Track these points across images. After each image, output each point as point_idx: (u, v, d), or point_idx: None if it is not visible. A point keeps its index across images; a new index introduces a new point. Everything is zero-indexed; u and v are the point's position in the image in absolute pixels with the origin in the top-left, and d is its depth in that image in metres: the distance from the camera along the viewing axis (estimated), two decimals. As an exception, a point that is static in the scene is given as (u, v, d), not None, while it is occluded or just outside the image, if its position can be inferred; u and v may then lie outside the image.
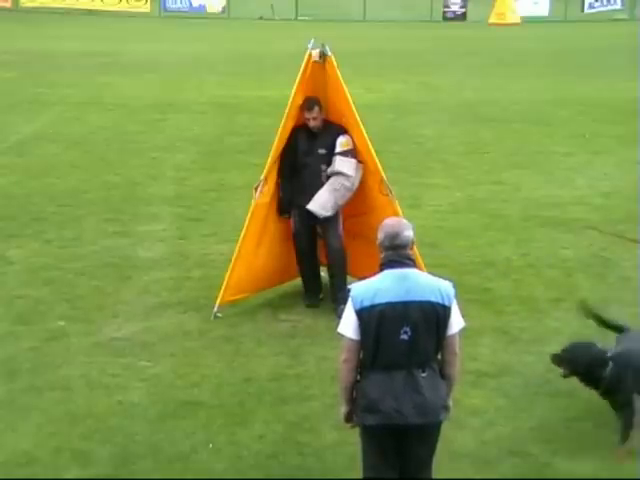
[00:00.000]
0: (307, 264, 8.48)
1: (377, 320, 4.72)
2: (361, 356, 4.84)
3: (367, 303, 4.74)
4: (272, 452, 5.86)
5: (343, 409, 5.02)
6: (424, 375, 4.80)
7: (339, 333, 4.87)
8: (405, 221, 5.13)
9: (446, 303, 4.81)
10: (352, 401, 4.94)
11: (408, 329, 4.74)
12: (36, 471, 5.87)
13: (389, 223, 5.04)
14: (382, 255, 4.92)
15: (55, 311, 8.35)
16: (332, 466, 5.92)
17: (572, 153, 15.10)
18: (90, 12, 44.06)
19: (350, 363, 4.83)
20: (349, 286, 4.91)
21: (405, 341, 4.74)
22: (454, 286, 4.94)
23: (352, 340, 4.79)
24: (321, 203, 8.10)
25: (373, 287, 4.81)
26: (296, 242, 8.38)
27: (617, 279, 9.32)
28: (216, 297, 8.16)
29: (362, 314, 4.74)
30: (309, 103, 8.05)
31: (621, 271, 9.53)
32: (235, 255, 8.18)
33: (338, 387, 5.02)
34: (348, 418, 5.03)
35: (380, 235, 4.94)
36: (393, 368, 4.77)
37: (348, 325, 4.80)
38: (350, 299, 4.81)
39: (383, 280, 4.83)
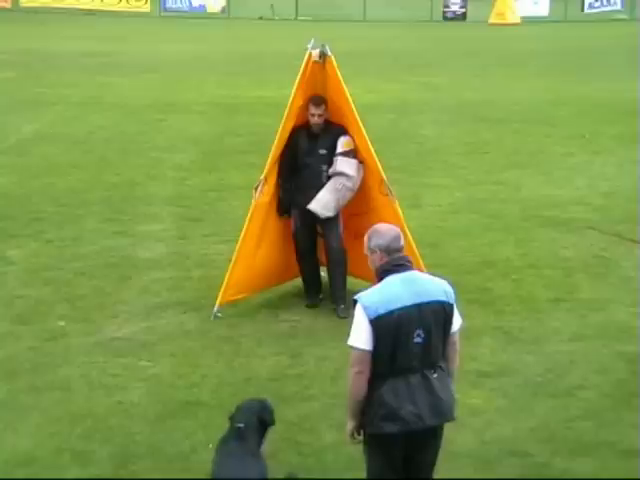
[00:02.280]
0: (307, 264, 8.48)
1: (394, 326, 4.66)
2: (372, 366, 4.73)
3: (383, 310, 4.66)
4: (272, 452, 5.84)
5: (350, 425, 4.88)
6: (435, 376, 4.78)
7: (350, 346, 4.74)
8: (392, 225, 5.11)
9: (451, 301, 4.83)
10: (359, 415, 4.83)
11: (421, 331, 4.71)
12: (36, 471, 5.87)
13: (386, 227, 4.98)
14: (383, 261, 4.83)
15: (55, 311, 8.35)
16: (332, 466, 5.92)
17: (572, 153, 15.10)
18: (90, 12, 44.07)
19: (364, 375, 4.72)
20: (355, 297, 4.81)
21: (419, 344, 4.71)
22: (451, 285, 4.94)
23: (365, 351, 4.69)
24: (323, 203, 8.09)
25: (385, 294, 4.73)
26: (296, 242, 8.38)
27: (617, 279, 9.32)
28: (216, 297, 8.16)
29: (378, 322, 4.66)
30: (317, 99, 8.04)
31: (621, 271, 9.54)
32: (235, 255, 8.18)
33: (348, 401, 4.86)
34: (355, 433, 4.90)
35: (382, 240, 4.83)
36: (408, 372, 4.72)
37: (361, 336, 4.69)
38: (361, 309, 4.70)
39: (392, 285, 4.77)
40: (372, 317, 4.67)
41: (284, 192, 8.29)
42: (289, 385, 7.00)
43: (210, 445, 6.03)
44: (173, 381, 7.08)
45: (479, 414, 6.60)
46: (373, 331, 4.67)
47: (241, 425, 5.17)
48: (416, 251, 8.03)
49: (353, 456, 5.50)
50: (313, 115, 8.08)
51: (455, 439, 6.11)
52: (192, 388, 6.96)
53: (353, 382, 4.76)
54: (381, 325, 4.66)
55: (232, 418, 5.31)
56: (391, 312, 4.67)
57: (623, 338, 7.87)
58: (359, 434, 4.90)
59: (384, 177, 8.14)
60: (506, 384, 7.06)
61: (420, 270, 7.34)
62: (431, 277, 5.00)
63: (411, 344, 4.70)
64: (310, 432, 6.31)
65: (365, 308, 4.70)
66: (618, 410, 6.67)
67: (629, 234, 10.63)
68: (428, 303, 4.73)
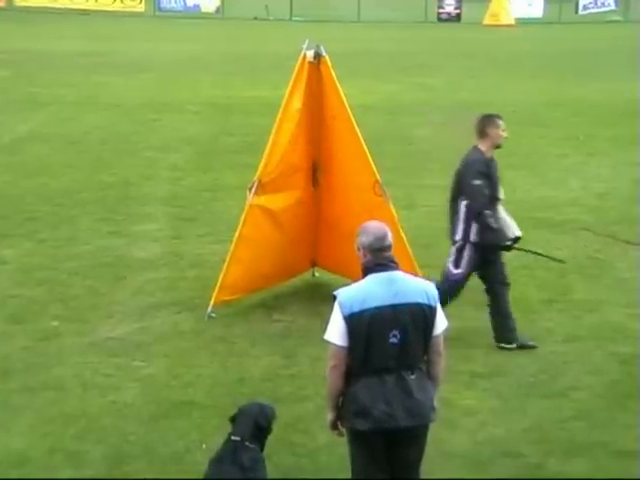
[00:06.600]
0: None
1: (367, 325, 4.70)
2: (349, 362, 4.79)
3: (357, 308, 4.71)
4: (266, 453, 5.83)
5: (329, 416, 4.98)
6: (413, 377, 4.79)
7: (326, 340, 4.82)
8: (383, 224, 5.09)
9: (432, 304, 4.82)
10: (338, 408, 4.92)
11: (397, 332, 4.72)
12: (29, 471, 5.86)
13: (374, 226, 4.97)
14: (365, 259, 4.87)
15: (49, 311, 8.33)
16: (325, 466, 5.92)
17: (566, 154, 15.13)
18: (84, 12, 44.03)
19: (339, 370, 4.79)
20: (334, 292, 4.85)
21: (395, 344, 4.73)
22: (437, 287, 4.95)
23: (340, 347, 4.75)
24: (514, 224, 7.77)
25: (361, 292, 4.78)
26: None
27: (611, 280, 9.33)
28: (210, 297, 8.15)
29: (352, 320, 4.71)
30: (499, 117, 7.69)
31: (615, 272, 9.56)
32: (229, 256, 8.17)
33: (325, 394, 4.97)
34: (334, 425, 4.99)
35: (365, 238, 4.87)
36: (383, 372, 4.75)
37: (336, 331, 4.75)
38: (337, 305, 4.76)
39: (370, 284, 4.80)
40: (346, 314, 4.72)
41: (494, 225, 7.51)
42: (283, 385, 7.00)
43: (204, 445, 6.04)
44: (167, 381, 7.07)
45: (472, 415, 6.61)
46: (347, 327, 4.72)
47: (237, 439, 5.15)
48: (410, 252, 8.03)
49: (346, 457, 5.49)
50: (501, 137, 7.66)
51: (448, 439, 6.13)
52: (186, 388, 6.95)
53: (328, 376, 4.85)
54: (354, 323, 4.71)
55: (232, 422, 5.29)
56: (364, 311, 4.71)
57: (616, 339, 7.89)
58: (338, 426, 4.97)
59: (378, 178, 8.14)
60: (499, 385, 7.07)
61: (414, 272, 7.38)
62: (414, 278, 5.02)
63: (386, 344, 4.72)
64: (304, 433, 6.31)
65: (340, 304, 4.75)
66: (611, 411, 6.69)
67: (623, 235, 10.65)
68: (405, 304, 4.74)
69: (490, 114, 7.75)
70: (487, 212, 7.47)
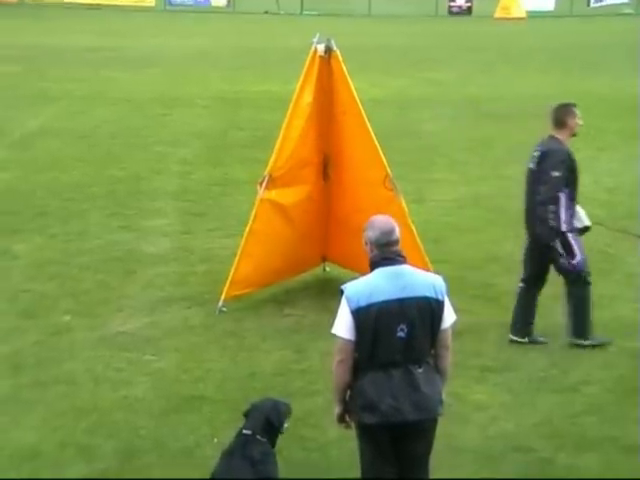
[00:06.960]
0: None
1: (374, 319, 4.70)
2: (356, 356, 4.80)
3: (364, 303, 4.71)
4: (277, 448, 5.87)
5: (336, 410, 5.00)
6: (420, 371, 4.79)
7: (333, 334, 4.83)
8: (390, 218, 5.08)
9: (440, 298, 4.81)
10: (345, 402, 4.93)
11: (405, 326, 4.73)
12: (40, 465, 5.89)
13: (380, 220, 4.96)
14: (373, 253, 4.87)
15: (60, 305, 8.36)
16: (336, 461, 5.93)
17: (577, 149, 14.91)
18: (95, 7, 44.09)
19: (345, 364, 4.80)
20: (342, 286, 4.86)
21: (402, 338, 4.73)
22: (445, 280, 4.93)
23: (347, 340, 4.76)
24: (584, 215, 7.74)
25: (368, 286, 4.78)
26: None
27: (622, 275, 9.31)
28: (220, 292, 8.16)
29: (359, 314, 4.71)
30: (575, 105, 7.63)
31: (626, 267, 9.53)
32: (240, 250, 8.18)
33: (332, 388, 4.99)
34: (341, 419, 5.01)
35: (372, 233, 4.87)
36: (390, 366, 4.76)
37: (343, 325, 4.77)
38: (345, 299, 4.77)
39: (377, 278, 4.80)
40: (353, 308, 4.73)
41: (552, 222, 7.44)
42: (294, 380, 7.01)
43: (215, 440, 6.06)
44: (178, 376, 7.09)
45: (483, 409, 6.61)
46: (354, 322, 4.72)
47: (248, 432, 5.18)
48: (421, 247, 8.02)
49: (357, 451, 5.50)
50: (579, 125, 7.64)
51: (459, 434, 6.13)
52: (196, 383, 6.97)
53: (335, 370, 4.86)
54: (361, 317, 4.72)
55: (245, 417, 5.32)
56: (372, 305, 4.71)
57: (627, 334, 7.87)
58: (345, 419, 4.99)
59: (389, 172, 8.13)
60: (510, 379, 7.07)
61: (426, 267, 7.38)
62: (422, 272, 5.01)
63: (393, 338, 4.72)
64: (314, 427, 6.32)
65: (348, 299, 4.76)
66: (622, 405, 6.68)
67: (634, 230, 10.61)
68: (412, 298, 4.74)
69: (567, 103, 7.67)
70: (551, 207, 7.39)
